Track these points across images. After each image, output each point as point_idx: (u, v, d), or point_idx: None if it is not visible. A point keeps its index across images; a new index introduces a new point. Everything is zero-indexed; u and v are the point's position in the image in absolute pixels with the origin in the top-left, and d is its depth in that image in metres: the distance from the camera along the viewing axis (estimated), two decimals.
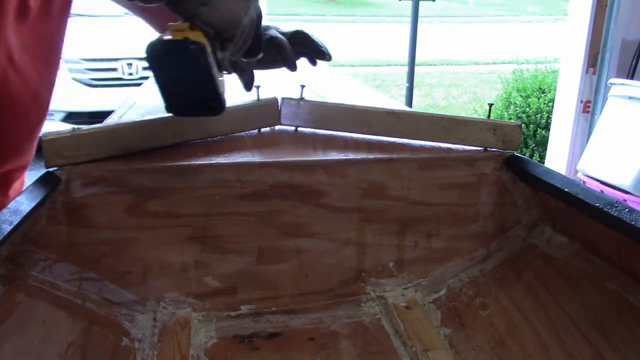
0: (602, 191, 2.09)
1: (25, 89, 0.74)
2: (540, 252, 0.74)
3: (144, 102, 1.16)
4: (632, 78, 2.88)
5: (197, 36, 0.57)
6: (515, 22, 14.76)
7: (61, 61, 0.84)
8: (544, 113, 4.05)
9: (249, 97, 0.81)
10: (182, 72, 0.59)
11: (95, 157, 0.66)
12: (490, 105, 0.81)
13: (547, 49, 6.01)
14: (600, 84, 2.99)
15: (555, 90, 3.53)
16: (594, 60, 2.98)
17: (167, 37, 0.57)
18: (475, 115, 3.62)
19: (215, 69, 0.59)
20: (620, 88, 2.67)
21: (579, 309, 0.65)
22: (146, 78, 2.71)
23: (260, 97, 0.81)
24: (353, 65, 8.70)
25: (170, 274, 0.70)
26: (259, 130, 0.81)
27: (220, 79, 0.61)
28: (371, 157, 0.73)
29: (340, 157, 0.72)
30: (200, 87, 0.60)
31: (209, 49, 0.57)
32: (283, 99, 0.81)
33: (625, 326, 0.59)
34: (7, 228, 0.53)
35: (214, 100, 0.61)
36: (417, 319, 0.70)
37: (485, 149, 0.76)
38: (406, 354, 0.66)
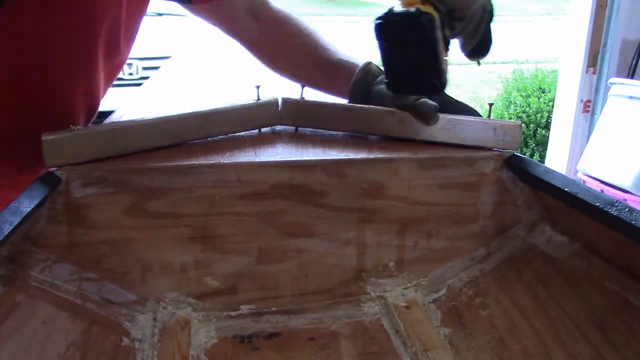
0: (602, 191, 2.09)
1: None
2: (540, 252, 0.74)
3: (144, 102, 1.16)
4: (632, 77, 2.88)
5: (428, 9, 0.58)
6: (515, 22, 14.74)
7: None
8: (544, 113, 4.05)
9: (249, 97, 0.81)
10: (408, 44, 0.59)
11: (95, 157, 0.66)
12: (491, 105, 0.81)
13: (547, 49, 6.00)
14: (600, 84, 2.99)
15: (555, 89, 3.53)
16: (594, 59, 2.98)
17: (398, 8, 0.58)
18: None
19: (441, 45, 0.60)
20: (620, 87, 2.67)
21: (579, 309, 0.65)
22: (146, 78, 2.71)
23: (260, 97, 0.81)
24: None
25: (170, 274, 0.70)
26: (259, 130, 0.81)
27: (444, 58, 0.61)
28: (371, 157, 0.73)
29: (340, 157, 0.72)
30: (424, 61, 0.60)
31: (438, 22, 0.58)
32: (283, 99, 0.81)
33: (625, 326, 0.59)
34: (7, 228, 0.53)
35: (436, 76, 0.61)
36: (417, 319, 0.70)
37: (485, 149, 0.76)
38: (406, 353, 0.66)
